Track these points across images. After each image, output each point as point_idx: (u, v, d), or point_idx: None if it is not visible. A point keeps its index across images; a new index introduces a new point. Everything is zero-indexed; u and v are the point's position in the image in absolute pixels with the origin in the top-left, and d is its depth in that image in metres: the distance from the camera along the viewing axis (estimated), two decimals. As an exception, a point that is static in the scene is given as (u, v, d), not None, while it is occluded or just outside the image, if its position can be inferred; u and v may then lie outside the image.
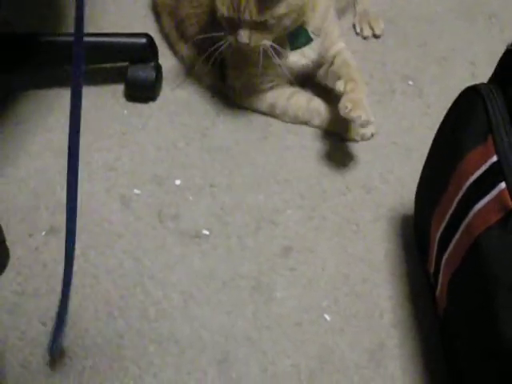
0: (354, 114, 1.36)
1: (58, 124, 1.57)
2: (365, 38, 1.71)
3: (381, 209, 1.42)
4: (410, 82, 1.62)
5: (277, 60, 1.43)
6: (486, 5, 1.80)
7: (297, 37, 1.47)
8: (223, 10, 1.36)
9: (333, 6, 1.54)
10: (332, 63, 1.52)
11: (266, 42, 1.39)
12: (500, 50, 1.59)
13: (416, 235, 1.34)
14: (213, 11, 1.42)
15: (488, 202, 0.97)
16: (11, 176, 1.49)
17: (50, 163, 1.50)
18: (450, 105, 1.52)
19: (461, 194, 1.04)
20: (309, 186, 1.46)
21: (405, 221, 1.39)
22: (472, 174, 1.02)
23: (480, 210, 0.99)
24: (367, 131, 1.50)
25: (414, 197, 1.31)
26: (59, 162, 1.49)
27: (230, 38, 1.40)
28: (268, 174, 1.47)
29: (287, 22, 1.38)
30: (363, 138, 1.51)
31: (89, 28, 1.61)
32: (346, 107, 1.37)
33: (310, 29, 1.47)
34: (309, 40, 1.48)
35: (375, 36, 1.71)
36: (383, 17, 1.74)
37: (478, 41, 1.72)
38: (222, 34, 1.41)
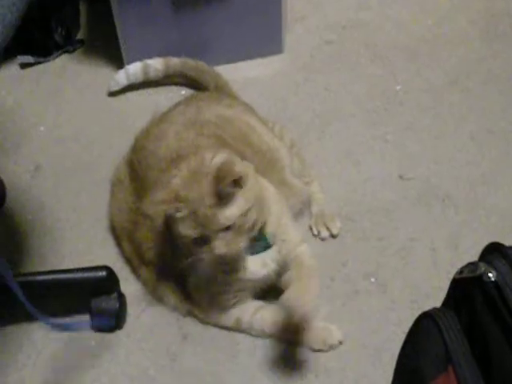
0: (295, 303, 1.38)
1: (28, 361, 1.57)
2: (323, 239, 1.71)
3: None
4: (373, 279, 1.63)
5: (239, 272, 1.45)
6: (437, 187, 1.83)
7: (256, 241, 1.47)
8: (189, 233, 1.36)
9: (286, 211, 1.55)
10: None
11: (242, 245, 1.39)
12: (457, 232, 1.64)
13: None
14: (172, 238, 1.43)
15: None
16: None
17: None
18: (415, 298, 1.54)
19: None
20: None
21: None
22: (438, 404, 1.01)
23: None
24: (333, 340, 1.49)
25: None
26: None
27: (207, 255, 1.39)
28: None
29: (253, 216, 1.39)
30: (331, 348, 1.49)
31: (49, 257, 1.64)
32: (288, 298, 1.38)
33: (268, 234, 1.48)
34: (267, 245, 1.48)
35: (333, 236, 1.72)
36: (339, 213, 1.77)
37: (435, 225, 1.74)
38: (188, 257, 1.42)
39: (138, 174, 1.63)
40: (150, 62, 2.13)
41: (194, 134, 1.57)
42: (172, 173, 1.42)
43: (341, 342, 1.51)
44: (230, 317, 1.54)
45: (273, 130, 1.78)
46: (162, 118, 1.70)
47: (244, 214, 1.36)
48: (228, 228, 1.36)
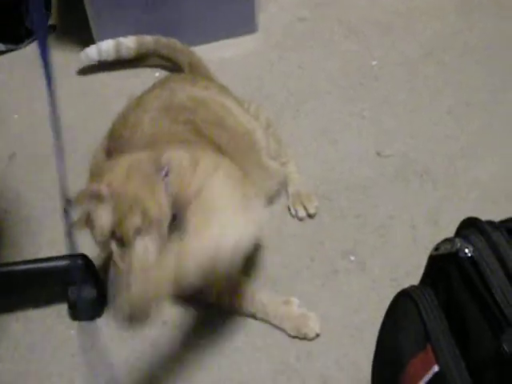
0: None
1: (6, 353, 1.55)
2: (300, 219, 1.70)
3: (339, 398, 1.38)
4: (352, 258, 1.62)
5: None
6: (415, 163, 1.82)
7: None
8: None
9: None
10: None
11: None
12: (437, 208, 1.63)
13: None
14: None
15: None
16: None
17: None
18: (395, 276, 1.53)
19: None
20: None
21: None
22: (418, 381, 1.00)
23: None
24: (309, 331, 1.49)
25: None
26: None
27: None
28: (220, 378, 1.46)
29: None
30: (306, 337, 1.49)
31: (26, 246, 1.63)
32: None
33: None
34: None
35: (310, 215, 1.71)
36: (316, 192, 1.76)
37: (414, 202, 1.73)
38: None
39: None
40: (122, 39, 2.12)
41: (169, 121, 1.55)
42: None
43: (318, 335, 1.50)
44: None
45: (248, 111, 1.75)
46: (137, 103, 1.67)
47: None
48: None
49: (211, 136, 1.52)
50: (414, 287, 1.07)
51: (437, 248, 1.02)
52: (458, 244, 0.96)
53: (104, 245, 1.36)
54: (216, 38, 2.21)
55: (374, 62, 2.10)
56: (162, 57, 2.10)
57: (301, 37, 2.22)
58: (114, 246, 1.34)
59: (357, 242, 1.65)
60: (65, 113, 2.00)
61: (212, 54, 2.13)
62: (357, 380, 1.41)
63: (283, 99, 2.02)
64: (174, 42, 2.07)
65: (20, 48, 2.30)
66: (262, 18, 2.25)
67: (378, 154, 1.85)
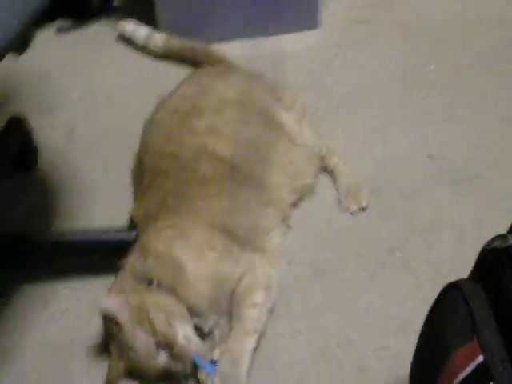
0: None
1: (53, 318, 1.59)
2: (351, 213, 1.73)
3: (375, 388, 1.40)
4: (398, 254, 1.64)
5: None
6: (465, 167, 1.84)
7: None
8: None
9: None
10: None
11: None
12: (484, 212, 1.65)
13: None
14: None
15: (478, 403, 0.98)
16: (8, 373, 1.50)
17: (47, 359, 1.51)
18: (439, 275, 1.55)
19: (451, 390, 1.04)
20: (303, 372, 1.46)
21: (400, 401, 1.38)
22: (460, 372, 1.03)
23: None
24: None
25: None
26: (56, 357, 1.51)
27: None
28: (262, 361, 1.47)
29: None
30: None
31: (80, 218, 1.67)
32: None
33: None
34: None
35: (361, 209, 1.74)
36: (367, 185, 1.78)
37: (462, 205, 1.75)
38: None
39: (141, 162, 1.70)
40: (155, 34, 2.20)
41: (185, 131, 1.62)
42: None
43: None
44: None
45: (282, 98, 1.80)
46: (164, 103, 1.76)
47: None
48: None
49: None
50: (464, 280, 1.10)
51: (489, 244, 1.04)
52: (511, 240, 0.98)
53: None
54: (278, 32, 2.24)
55: (432, 67, 2.12)
56: (185, 58, 2.13)
57: (360, 36, 2.26)
58: (162, 356, 1.38)
59: (404, 240, 1.67)
60: (123, 94, 2.09)
61: (273, 47, 2.18)
62: (395, 372, 1.43)
63: (340, 95, 2.05)
64: (199, 43, 2.12)
65: (85, 26, 2.36)
66: (324, 15, 2.28)
67: (430, 156, 1.86)
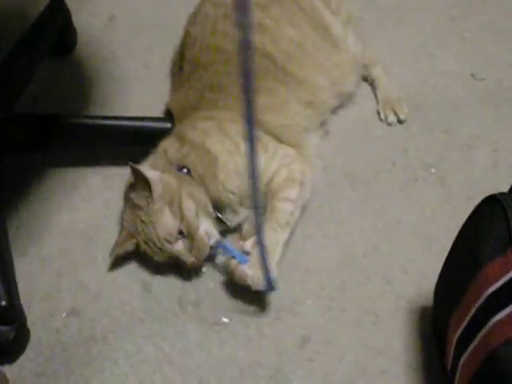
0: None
1: (82, 204, 1.60)
2: (389, 124, 1.71)
3: (400, 300, 1.42)
4: (433, 170, 1.62)
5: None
6: (508, 90, 1.81)
7: None
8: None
9: None
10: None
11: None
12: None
13: (434, 329, 1.34)
14: None
15: (508, 315, 0.98)
16: (34, 255, 1.51)
17: (74, 244, 1.52)
18: (471, 194, 1.54)
19: (480, 302, 1.04)
20: (329, 277, 1.45)
21: (424, 313, 1.39)
22: (492, 284, 1.02)
23: (499, 322, 0.99)
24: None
25: (433, 289, 1.31)
26: (82, 242, 1.51)
27: None
28: (288, 263, 1.47)
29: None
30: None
31: (114, 106, 1.66)
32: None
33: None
34: None
35: (399, 121, 1.72)
36: (407, 101, 1.75)
37: (501, 127, 1.72)
38: None
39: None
40: None
41: (230, 25, 1.56)
42: None
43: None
44: None
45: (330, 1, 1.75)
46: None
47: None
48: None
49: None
50: (504, 194, 1.08)
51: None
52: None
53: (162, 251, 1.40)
54: None
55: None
56: None
57: None
58: (180, 244, 1.39)
59: (440, 156, 1.66)
60: None
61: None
62: (419, 285, 1.44)
63: (389, 6, 2.01)
64: None
65: None
66: None
67: (473, 75, 1.83)
